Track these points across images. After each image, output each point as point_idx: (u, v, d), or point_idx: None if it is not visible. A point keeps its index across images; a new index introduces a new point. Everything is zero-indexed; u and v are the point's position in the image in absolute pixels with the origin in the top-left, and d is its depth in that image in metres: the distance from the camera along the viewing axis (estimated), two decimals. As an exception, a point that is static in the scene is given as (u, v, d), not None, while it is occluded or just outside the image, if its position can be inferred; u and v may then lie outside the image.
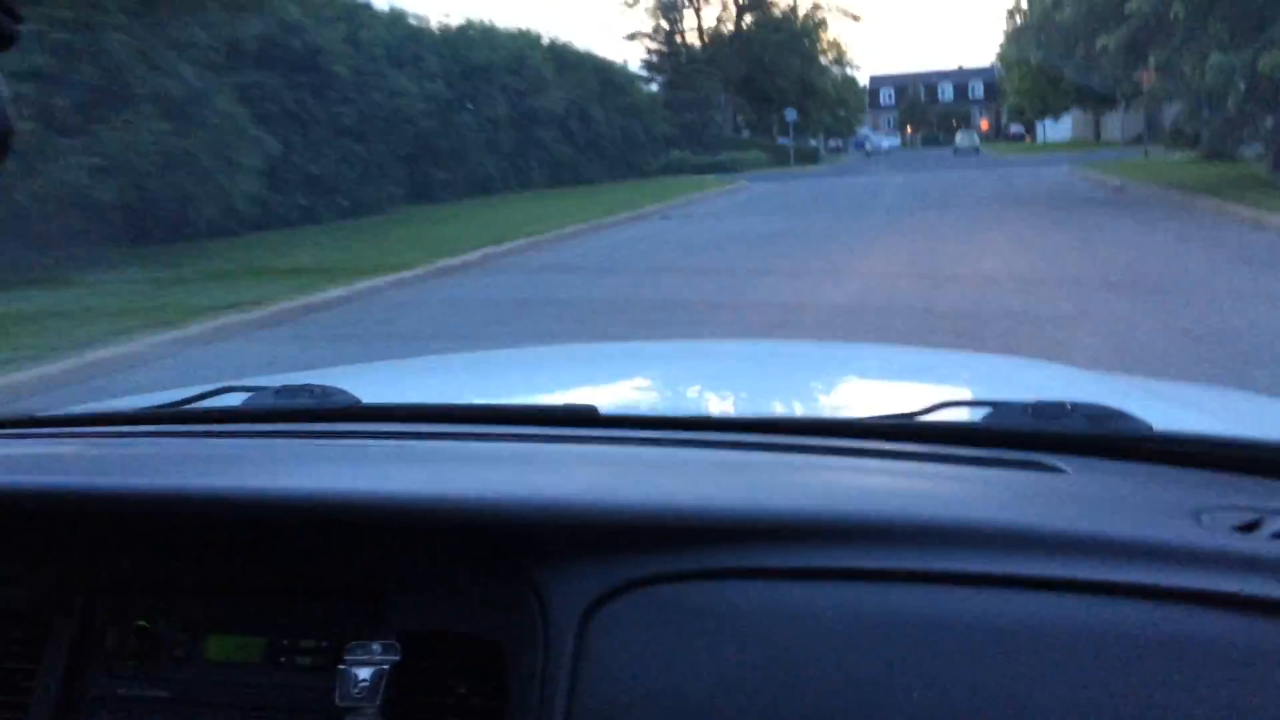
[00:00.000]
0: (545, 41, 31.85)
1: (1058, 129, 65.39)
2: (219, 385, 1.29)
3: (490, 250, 13.80)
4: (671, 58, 54.53)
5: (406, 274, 11.47)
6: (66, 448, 1.12)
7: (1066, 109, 57.86)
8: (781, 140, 55.01)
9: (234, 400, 1.25)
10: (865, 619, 0.75)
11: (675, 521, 0.82)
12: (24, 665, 0.93)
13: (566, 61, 33.06)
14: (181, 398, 1.28)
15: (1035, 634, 0.73)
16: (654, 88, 52.31)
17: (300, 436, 1.11)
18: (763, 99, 61.95)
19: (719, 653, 0.75)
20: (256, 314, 8.78)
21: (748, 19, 59.90)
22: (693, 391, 1.65)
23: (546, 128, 31.14)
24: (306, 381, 1.26)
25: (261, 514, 0.89)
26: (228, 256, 13.11)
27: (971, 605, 0.75)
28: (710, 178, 36.75)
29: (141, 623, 0.93)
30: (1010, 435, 1.00)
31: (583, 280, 11.51)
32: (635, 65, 50.42)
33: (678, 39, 55.46)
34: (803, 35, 64.21)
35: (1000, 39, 58.22)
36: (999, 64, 66.87)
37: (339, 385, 1.26)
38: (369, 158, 21.60)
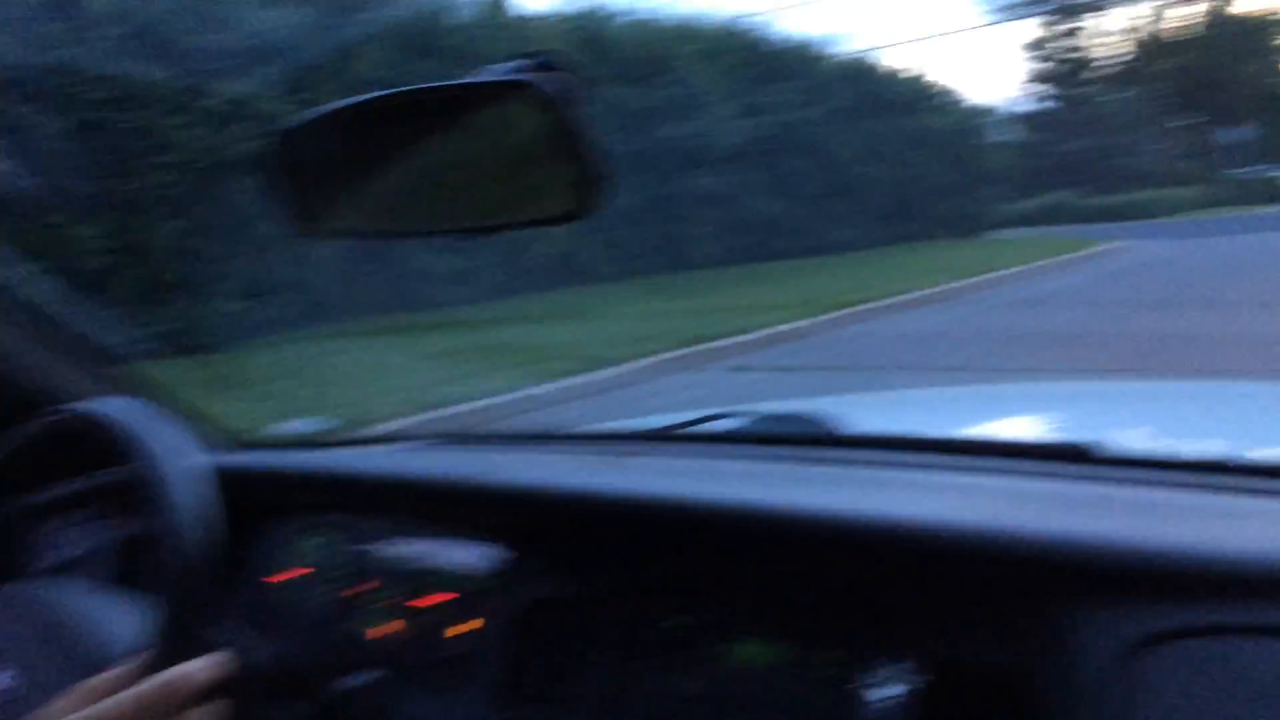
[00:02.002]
0: (734, 32, 17.61)
1: None
2: (712, 411, 1.32)
3: None
4: (1068, 65, 37.79)
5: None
6: (588, 457, 1.20)
7: None
8: (1236, 172, 36.70)
9: (729, 424, 1.28)
10: None
11: (1222, 570, 0.74)
12: (583, 651, 0.95)
13: (782, 64, 18.54)
14: (676, 421, 1.31)
15: None
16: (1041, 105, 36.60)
17: (807, 462, 1.10)
18: (1203, 118, 43.50)
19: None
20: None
21: (1182, 14, 41.42)
22: (1191, 432, 1.49)
23: (717, 171, 16.91)
24: (794, 410, 1.31)
25: (795, 527, 0.89)
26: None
27: None
28: (1076, 234, 21.40)
29: (668, 623, 0.91)
30: None
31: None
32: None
33: (1073, 42, 38.40)
34: (1264, 31, 44.40)
35: None
36: None
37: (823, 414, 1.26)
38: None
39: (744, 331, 9.49)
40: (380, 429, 1.47)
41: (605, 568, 0.97)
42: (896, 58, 57.97)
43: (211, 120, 10.19)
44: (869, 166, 20.31)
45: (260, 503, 1.25)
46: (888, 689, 0.80)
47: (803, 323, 10.18)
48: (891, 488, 1.00)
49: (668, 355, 8.54)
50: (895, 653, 0.83)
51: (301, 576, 1.20)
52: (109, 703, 0.76)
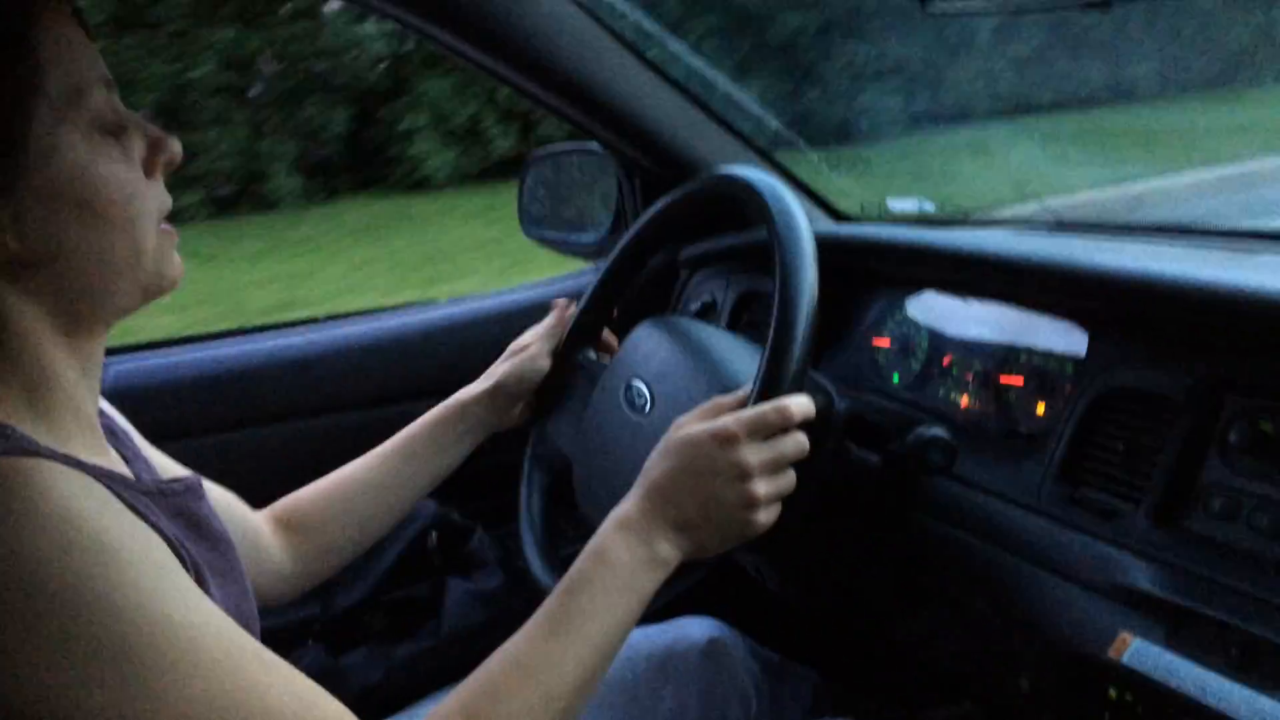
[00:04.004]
0: None
1: None
2: None
3: None
4: None
5: None
6: (1204, 251, 1.10)
7: None
8: None
9: None
10: None
11: None
12: (1151, 440, 0.92)
13: None
14: None
15: None
16: None
17: None
18: None
19: None
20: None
21: None
22: None
23: None
24: None
25: None
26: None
27: None
28: None
29: (1265, 426, 0.85)
30: None
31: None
32: None
33: None
34: None
35: None
36: None
37: None
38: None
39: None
40: (985, 214, 1.43)
41: (1192, 363, 0.91)
42: None
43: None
44: None
45: (869, 272, 1.31)
46: None
47: None
48: None
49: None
50: None
51: (899, 342, 1.25)
52: (730, 417, 0.89)
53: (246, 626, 0.76)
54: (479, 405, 1.19)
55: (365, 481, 1.13)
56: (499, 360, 1.23)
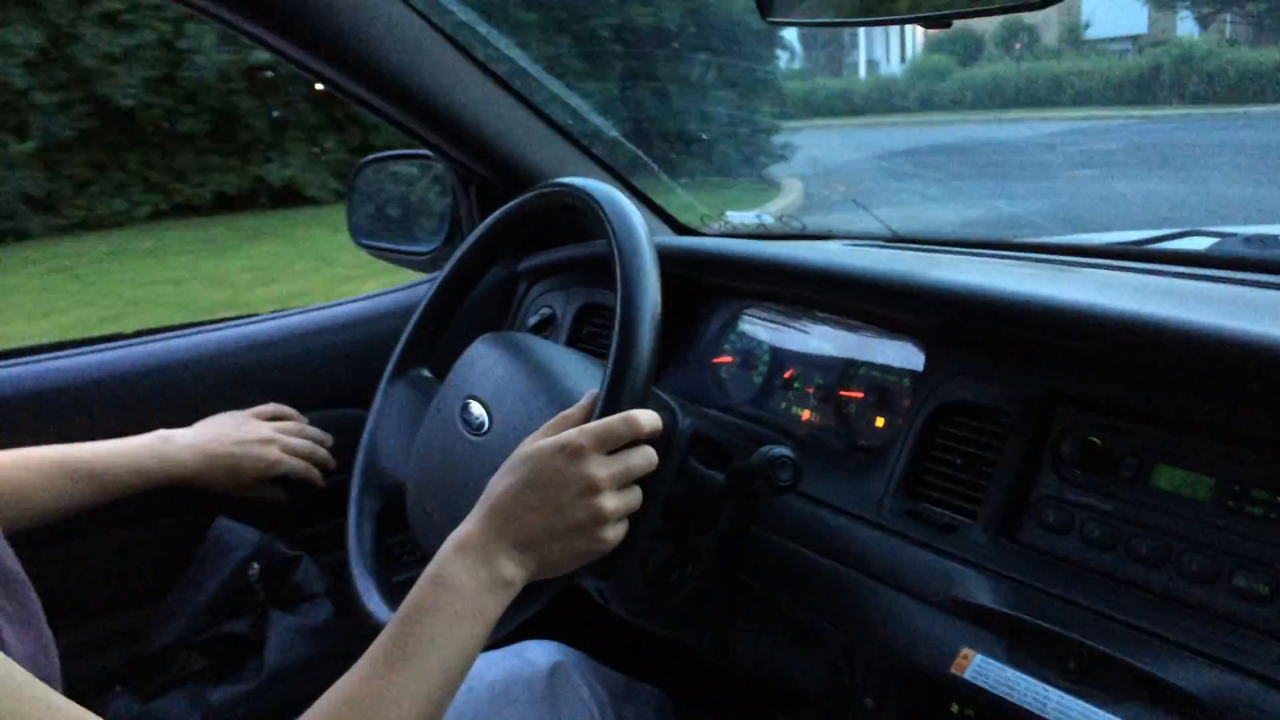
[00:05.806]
0: None
1: None
2: (1187, 229, 1.23)
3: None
4: None
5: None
6: (1031, 267, 1.14)
7: None
8: None
9: (1200, 244, 1.18)
10: None
11: None
12: (987, 454, 0.93)
13: None
14: (1143, 236, 1.23)
15: None
16: None
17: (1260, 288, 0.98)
18: None
19: None
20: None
21: None
22: None
23: None
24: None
25: (1228, 356, 0.78)
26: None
27: None
28: None
29: (1094, 439, 0.87)
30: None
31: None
32: None
33: None
34: None
35: None
36: None
37: None
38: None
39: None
40: (823, 227, 1.44)
41: (1024, 377, 0.92)
42: None
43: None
44: None
45: (709, 286, 1.30)
46: None
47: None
48: None
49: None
50: None
51: (740, 357, 1.24)
52: (577, 430, 0.85)
53: (45, 676, 0.68)
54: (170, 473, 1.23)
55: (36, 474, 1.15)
56: (230, 440, 1.27)
